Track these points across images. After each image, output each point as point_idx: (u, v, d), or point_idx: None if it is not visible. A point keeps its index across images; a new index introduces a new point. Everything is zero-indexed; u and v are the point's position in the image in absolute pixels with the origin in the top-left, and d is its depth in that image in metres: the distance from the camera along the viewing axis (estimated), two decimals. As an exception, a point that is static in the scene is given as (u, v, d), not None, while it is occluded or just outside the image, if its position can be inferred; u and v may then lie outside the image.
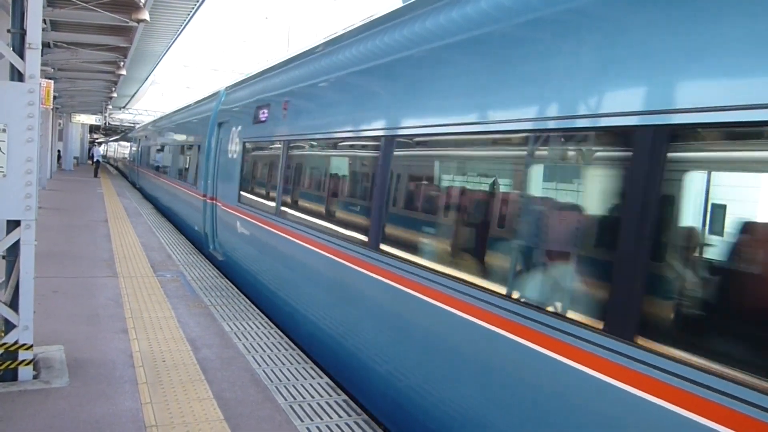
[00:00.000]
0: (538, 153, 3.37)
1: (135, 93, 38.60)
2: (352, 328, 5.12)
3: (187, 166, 14.32)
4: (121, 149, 48.72)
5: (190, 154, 14.09)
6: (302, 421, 4.32)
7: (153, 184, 21.55)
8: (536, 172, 3.42)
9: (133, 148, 32.57)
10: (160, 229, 14.12)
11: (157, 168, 20.60)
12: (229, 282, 8.75)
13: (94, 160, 37.87)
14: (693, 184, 2.65)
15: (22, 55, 4.55)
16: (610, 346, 2.68)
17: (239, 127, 9.47)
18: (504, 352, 3.34)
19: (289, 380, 5.07)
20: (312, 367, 5.40)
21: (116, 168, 51.29)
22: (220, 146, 10.67)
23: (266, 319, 6.90)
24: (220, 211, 10.23)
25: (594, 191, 3.09)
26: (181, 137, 15.93)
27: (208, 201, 11.02)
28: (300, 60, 7.58)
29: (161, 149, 20.03)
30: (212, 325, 6.53)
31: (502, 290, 3.43)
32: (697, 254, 2.63)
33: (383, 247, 4.62)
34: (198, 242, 12.03)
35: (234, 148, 9.61)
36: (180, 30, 17.60)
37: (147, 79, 30.78)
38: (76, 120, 40.73)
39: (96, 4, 13.18)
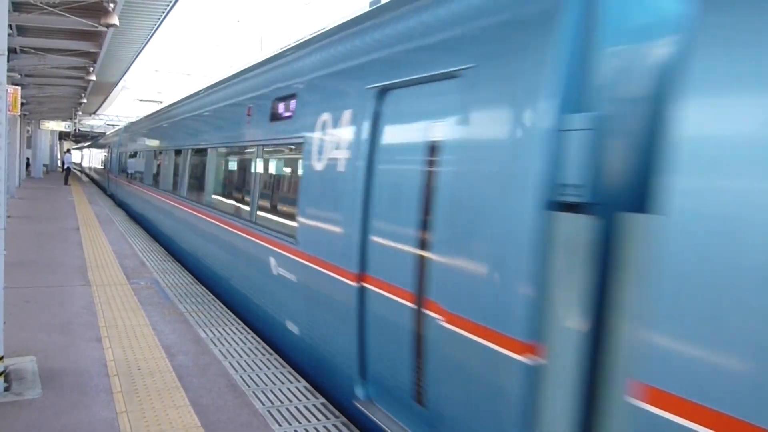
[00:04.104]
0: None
1: (105, 98, 38.08)
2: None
3: None
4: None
5: None
6: (280, 425, 4.33)
7: None
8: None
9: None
10: (132, 236, 13.94)
11: None
12: (204, 288, 8.69)
13: (65, 167, 37.35)
14: None
15: (-13, 62, 4.48)
16: None
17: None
18: None
19: (266, 385, 5.07)
20: (290, 372, 5.40)
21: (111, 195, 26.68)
22: None
23: (243, 324, 6.88)
24: None
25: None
26: None
27: None
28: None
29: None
30: (188, 331, 6.48)
31: None
32: None
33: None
34: None
35: None
36: (150, 34, 17.43)
37: (117, 84, 30.37)
38: (45, 127, 39.96)
39: (64, 9, 12.99)
